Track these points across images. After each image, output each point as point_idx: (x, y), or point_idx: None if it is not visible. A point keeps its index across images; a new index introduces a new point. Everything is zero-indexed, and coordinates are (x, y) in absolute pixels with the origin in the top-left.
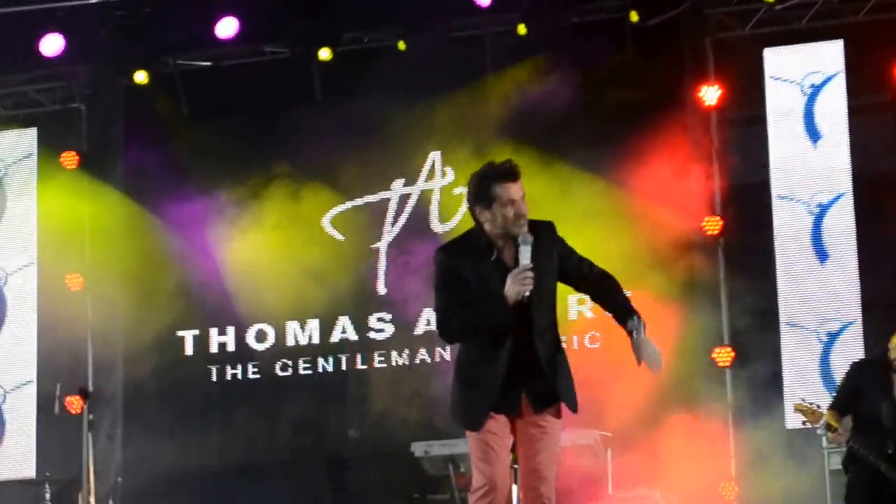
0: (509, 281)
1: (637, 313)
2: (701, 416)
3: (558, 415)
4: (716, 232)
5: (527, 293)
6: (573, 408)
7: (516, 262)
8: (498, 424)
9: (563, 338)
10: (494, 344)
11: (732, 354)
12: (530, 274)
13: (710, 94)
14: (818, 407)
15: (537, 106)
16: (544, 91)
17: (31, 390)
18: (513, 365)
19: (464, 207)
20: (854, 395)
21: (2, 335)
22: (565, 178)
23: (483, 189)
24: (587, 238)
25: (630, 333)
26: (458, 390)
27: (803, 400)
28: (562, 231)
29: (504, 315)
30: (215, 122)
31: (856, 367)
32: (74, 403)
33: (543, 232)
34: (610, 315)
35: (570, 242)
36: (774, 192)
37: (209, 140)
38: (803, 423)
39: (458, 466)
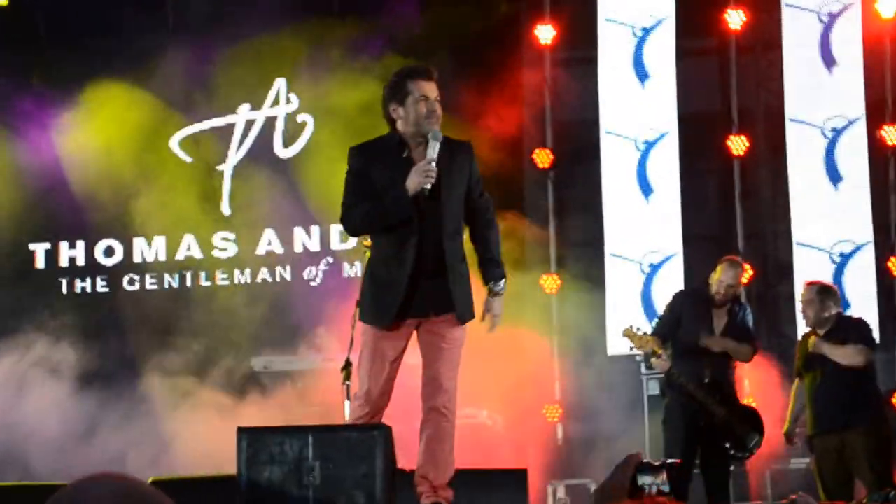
0: (412, 172)
1: (504, 274)
2: (526, 340)
3: (462, 323)
4: (546, 165)
5: (428, 186)
6: (463, 318)
7: None
8: (397, 336)
9: None
10: (401, 243)
11: (559, 282)
12: (433, 167)
13: (544, 33)
14: (645, 333)
15: (381, 35)
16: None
17: None
18: (419, 265)
19: (307, 134)
20: (675, 323)
21: None
22: None
23: (398, 85)
24: None
25: (491, 292)
26: (367, 289)
27: (631, 326)
28: None
29: (404, 206)
30: (70, 44)
31: (678, 297)
32: None
33: (462, 149)
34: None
35: None
36: (603, 128)
37: (64, 60)
38: (631, 348)
39: (296, 383)
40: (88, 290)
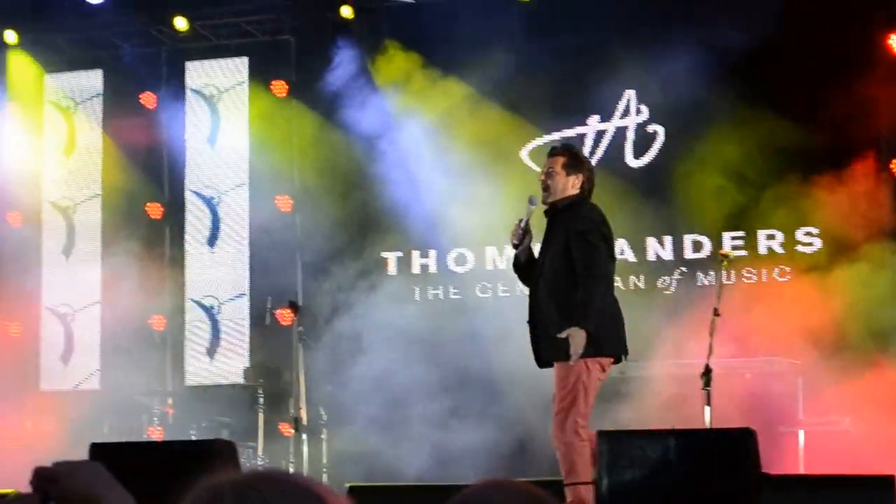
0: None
1: (577, 325)
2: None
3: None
4: None
5: (515, 243)
6: (548, 364)
7: None
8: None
9: (751, 272)
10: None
11: None
12: (517, 230)
13: None
14: None
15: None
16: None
17: (244, 303)
18: (532, 315)
19: (658, 144)
20: None
21: (216, 251)
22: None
23: None
24: None
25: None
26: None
27: None
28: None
29: (513, 262)
30: (418, 56)
31: None
32: (285, 316)
33: (563, 213)
34: None
35: None
36: None
37: (408, 71)
38: None
39: (652, 388)
40: (441, 296)
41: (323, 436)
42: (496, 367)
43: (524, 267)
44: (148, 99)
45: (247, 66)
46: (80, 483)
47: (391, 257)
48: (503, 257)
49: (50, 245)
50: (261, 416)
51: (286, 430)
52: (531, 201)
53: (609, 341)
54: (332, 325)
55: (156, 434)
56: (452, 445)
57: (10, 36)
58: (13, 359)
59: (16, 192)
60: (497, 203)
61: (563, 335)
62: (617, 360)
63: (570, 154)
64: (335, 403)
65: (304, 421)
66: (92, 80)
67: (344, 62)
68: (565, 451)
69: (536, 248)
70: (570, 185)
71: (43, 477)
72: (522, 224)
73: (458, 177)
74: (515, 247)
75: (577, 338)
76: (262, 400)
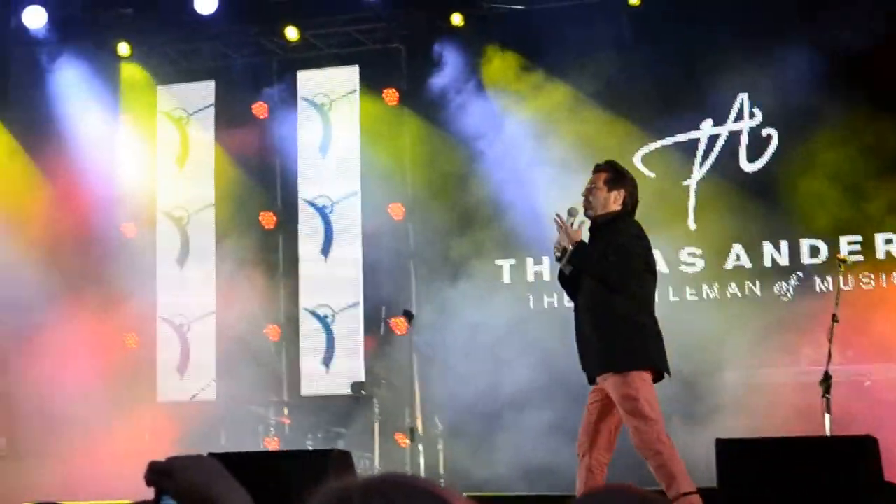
0: None
1: (573, 255)
2: None
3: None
4: None
5: (557, 254)
6: (593, 380)
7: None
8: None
9: (869, 276)
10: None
11: None
12: (557, 243)
13: None
14: None
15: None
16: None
17: (358, 312)
18: (577, 329)
19: (772, 148)
20: None
21: (330, 260)
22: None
23: None
24: None
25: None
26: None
27: None
28: None
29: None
30: (528, 61)
31: None
32: (399, 325)
33: (602, 227)
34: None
35: None
36: None
37: (518, 76)
38: None
39: (768, 395)
40: (556, 305)
41: (439, 446)
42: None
43: (569, 280)
44: (260, 109)
45: (357, 74)
46: (195, 478)
47: (505, 265)
48: None
49: (164, 255)
50: (376, 427)
51: (402, 440)
52: (570, 212)
53: (650, 356)
54: (446, 334)
55: (272, 444)
56: (569, 454)
57: (123, 48)
58: (130, 371)
59: (130, 203)
60: None
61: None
62: (659, 378)
63: (613, 170)
64: (451, 413)
65: (420, 431)
66: (204, 90)
67: (453, 69)
68: (655, 463)
69: None
70: (612, 201)
71: (157, 471)
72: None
73: (572, 183)
74: (559, 259)
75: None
76: (377, 410)
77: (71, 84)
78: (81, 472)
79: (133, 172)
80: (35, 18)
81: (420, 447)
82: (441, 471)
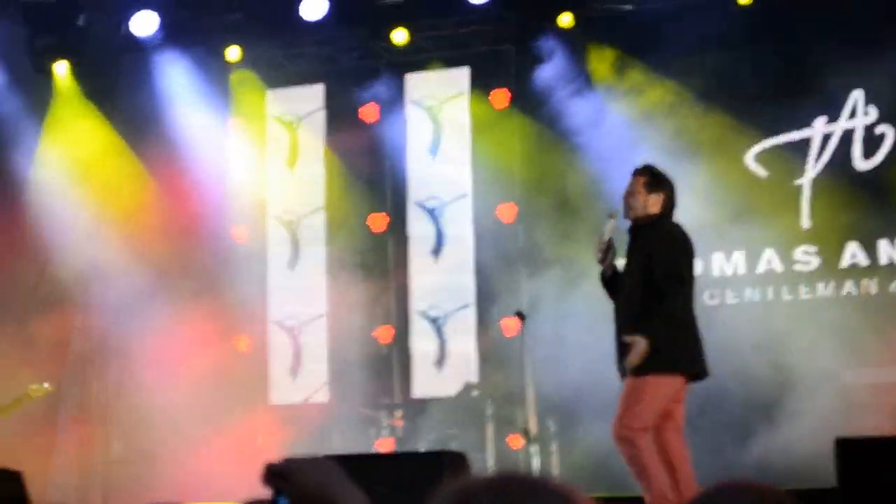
0: None
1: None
2: None
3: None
4: None
5: (599, 256)
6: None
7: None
8: None
9: None
10: None
11: None
12: (600, 246)
13: None
14: None
15: None
16: None
17: (470, 314)
18: (617, 332)
19: (887, 145)
20: None
21: (440, 263)
22: None
23: None
24: None
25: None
26: None
27: None
28: None
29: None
30: (638, 61)
31: None
32: (511, 326)
33: (643, 231)
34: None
35: None
36: None
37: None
38: None
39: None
40: None
41: (553, 447)
42: (721, 376)
43: (610, 282)
44: (368, 112)
45: (467, 76)
46: (312, 480)
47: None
48: (731, 263)
49: (275, 259)
50: (489, 428)
51: (515, 442)
52: (610, 215)
53: (676, 358)
54: (559, 335)
55: (384, 446)
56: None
57: (233, 53)
58: (243, 373)
59: (241, 207)
60: (720, 207)
61: (627, 339)
62: (692, 379)
63: (651, 174)
64: (564, 414)
65: (534, 432)
66: (313, 94)
67: (561, 69)
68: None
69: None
70: (651, 204)
71: (275, 473)
72: (604, 239)
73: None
74: (600, 262)
75: (638, 345)
76: (489, 412)
77: (181, 88)
78: (196, 474)
79: (243, 176)
80: (146, 24)
81: (534, 449)
82: (556, 472)
